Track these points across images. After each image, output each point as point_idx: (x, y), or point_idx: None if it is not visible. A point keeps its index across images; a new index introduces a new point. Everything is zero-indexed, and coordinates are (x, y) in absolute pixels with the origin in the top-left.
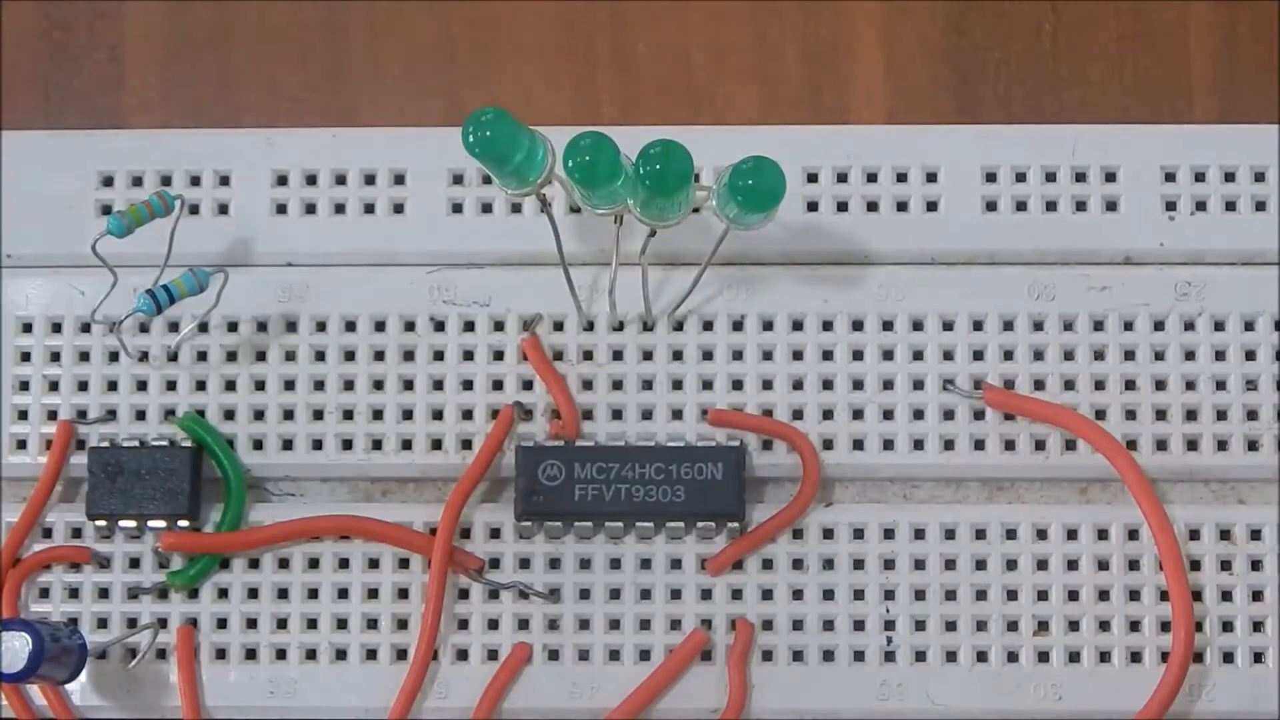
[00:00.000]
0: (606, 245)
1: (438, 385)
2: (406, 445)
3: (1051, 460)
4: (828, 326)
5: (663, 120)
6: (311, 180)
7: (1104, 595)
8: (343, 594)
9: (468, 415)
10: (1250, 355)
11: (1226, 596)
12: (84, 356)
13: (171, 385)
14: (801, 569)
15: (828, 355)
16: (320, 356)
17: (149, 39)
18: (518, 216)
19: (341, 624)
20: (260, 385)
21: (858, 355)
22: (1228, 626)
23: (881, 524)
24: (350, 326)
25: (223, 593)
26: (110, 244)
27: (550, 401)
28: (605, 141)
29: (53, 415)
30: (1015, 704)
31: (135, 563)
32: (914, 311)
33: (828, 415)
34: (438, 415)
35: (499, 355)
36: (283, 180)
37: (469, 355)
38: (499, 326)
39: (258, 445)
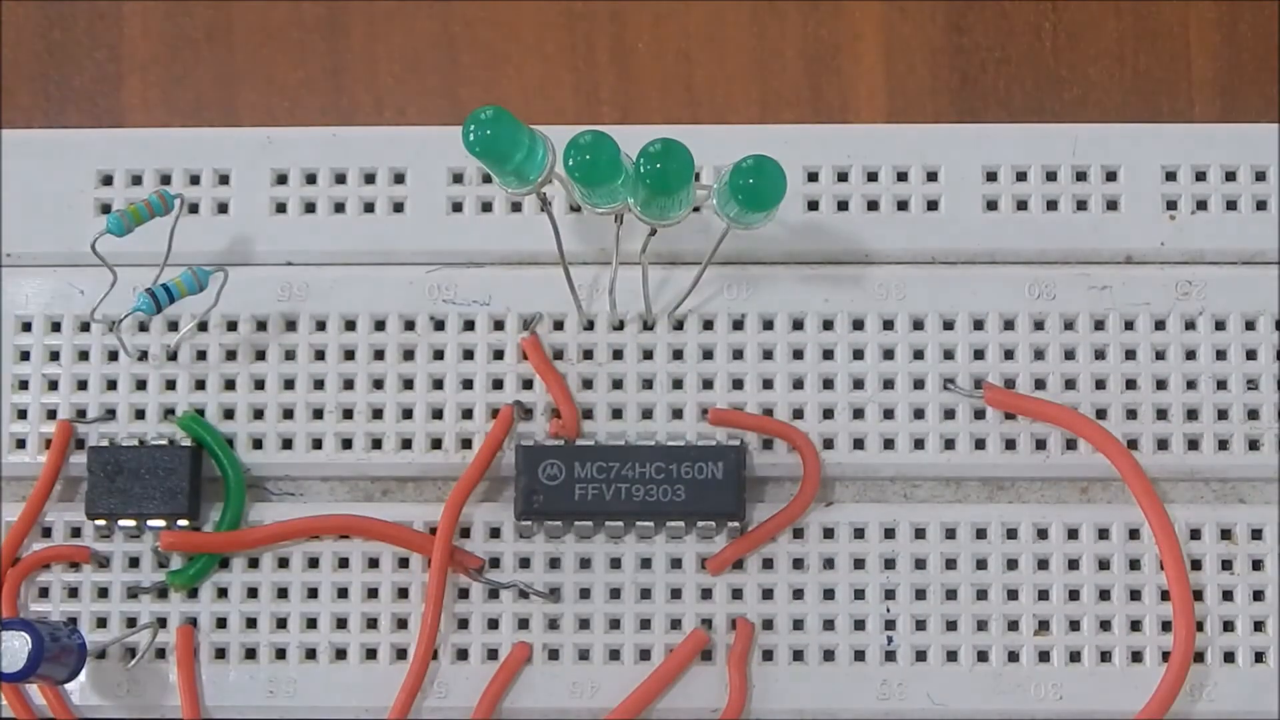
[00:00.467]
0: (607, 244)
1: (437, 384)
2: (406, 444)
3: (1052, 460)
4: (828, 326)
5: (663, 120)
6: (311, 179)
7: (1105, 595)
8: (342, 593)
9: (467, 414)
10: (1251, 354)
11: (1227, 596)
12: (83, 355)
13: (171, 384)
14: (802, 568)
15: (828, 354)
16: (320, 355)
17: (149, 39)
18: (518, 215)
19: (341, 623)
20: (260, 384)
21: (858, 354)
22: (1228, 626)
23: (882, 523)
24: (350, 325)
25: (222, 592)
26: (109, 243)
27: (550, 401)
28: (605, 140)
29: (52, 414)
30: (1016, 704)
31: (134, 562)
32: (914, 311)
33: (828, 414)
34: (437, 414)
35: (499, 354)
36: (282, 179)
37: (469, 354)
38: (499, 325)
39: (257, 444)
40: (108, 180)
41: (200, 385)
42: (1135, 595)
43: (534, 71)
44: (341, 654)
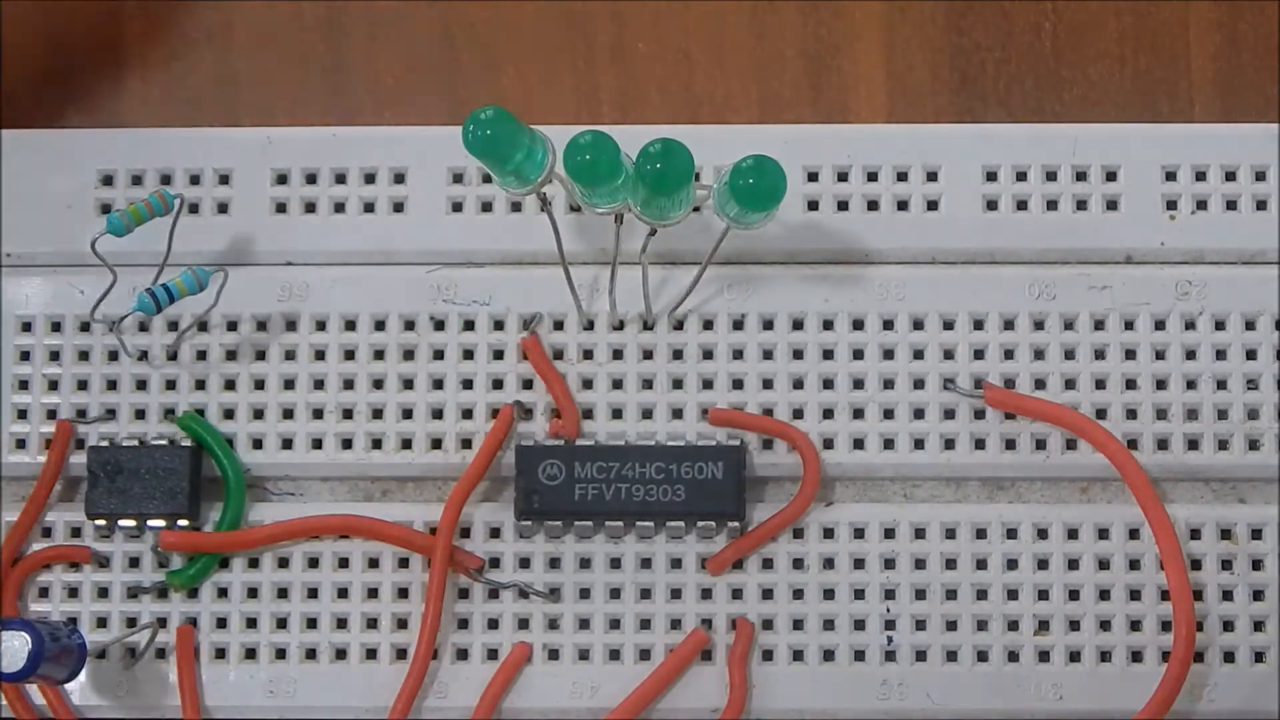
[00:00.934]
0: (606, 244)
1: (438, 384)
2: (406, 444)
3: (1052, 459)
4: (828, 326)
5: (663, 120)
6: (311, 179)
7: (1105, 594)
8: (342, 593)
9: (468, 414)
10: (1251, 354)
11: (1227, 596)
12: (83, 356)
13: (171, 384)
14: (802, 568)
15: (828, 354)
16: (320, 355)
17: (149, 39)
18: (518, 215)
19: (341, 623)
20: (260, 384)
21: (858, 354)
22: (1229, 626)
23: (882, 523)
24: (350, 325)
25: (222, 592)
26: (109, 243)
27: (550, 401)
28: (605, 140)
29: (52, 414)
30: (1016, 703)
31: (135, 562)
32: (914, 310)
33: (828, 414)
34: (438, 414)
35: (499, 354)
36: (282, 179)
37: (469, 354)
38: (499, 325)
39: (257, 444)
40: (108, 180)
41: (200, 385)
42: (1135, 595)
43: (534, 71)
44: (342, 654)
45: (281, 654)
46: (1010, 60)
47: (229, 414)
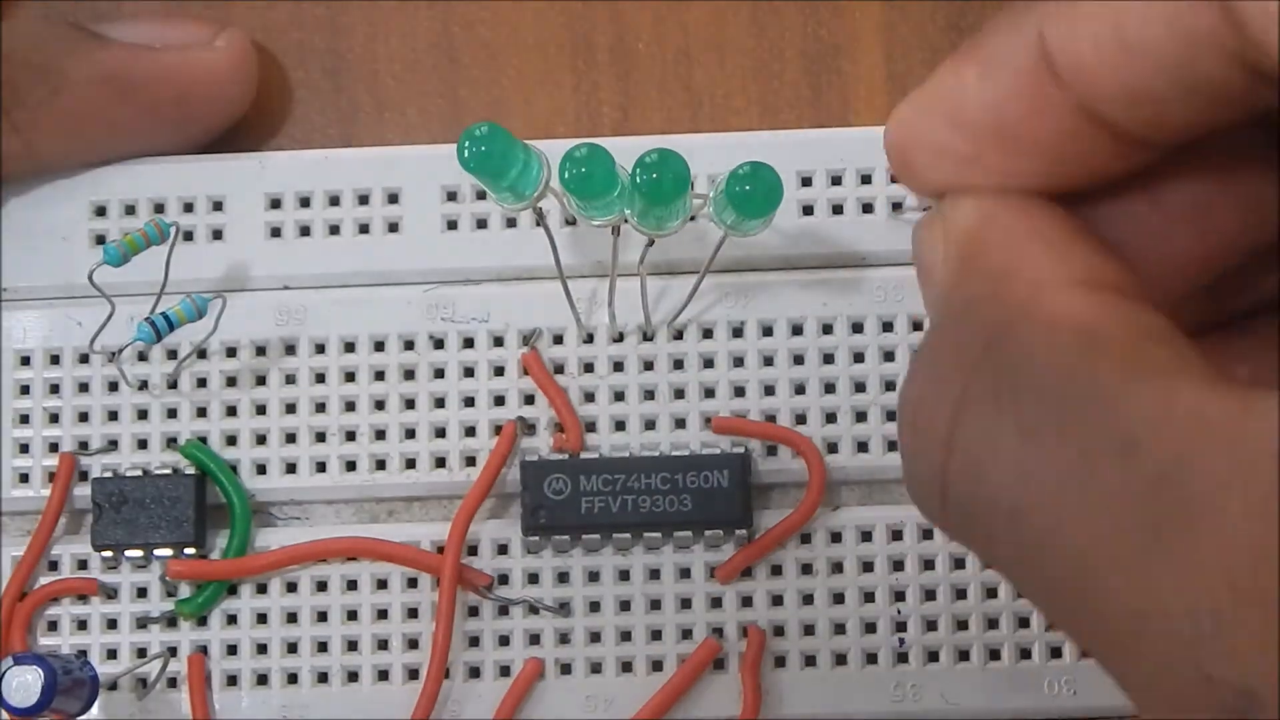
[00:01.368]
0: (604, 257)
1: (439, 403)
2: (410, 464)
3: None
4: (828, 330)
5: (663, 119)
6: (305, 202)
7: None
8: (352, 616)
9: (470, 432)
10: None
11: None
12: (84, 387)
13: (172, 413)
14: (810, 573)
15: (829, 359)
16: (320, 378)
17: None
18: (513, 231)
19: (352, 646)
20: (261, 409)
21: (858, 358)
22: None
23: (889, 525)
24: (349, 347)
25: (231, 619)
26: (105, 273)
27: (553, 415)
28: (600, 153)
29: (54, 447)
30: (1030, 701)
31: (143, 592)
32: (913, 312)
33: (831, 419)
34: (440, 433)
35: (499, 371)
36: (276, 203)
37: (469, 372)
38: (499, 342)
39: (261, 470)
40: (101, 211)
41: (202, 413)
42: None
43: (534, 71)
44: (354, 676)
45: (293, 678)
46: None
47: (231, 440)
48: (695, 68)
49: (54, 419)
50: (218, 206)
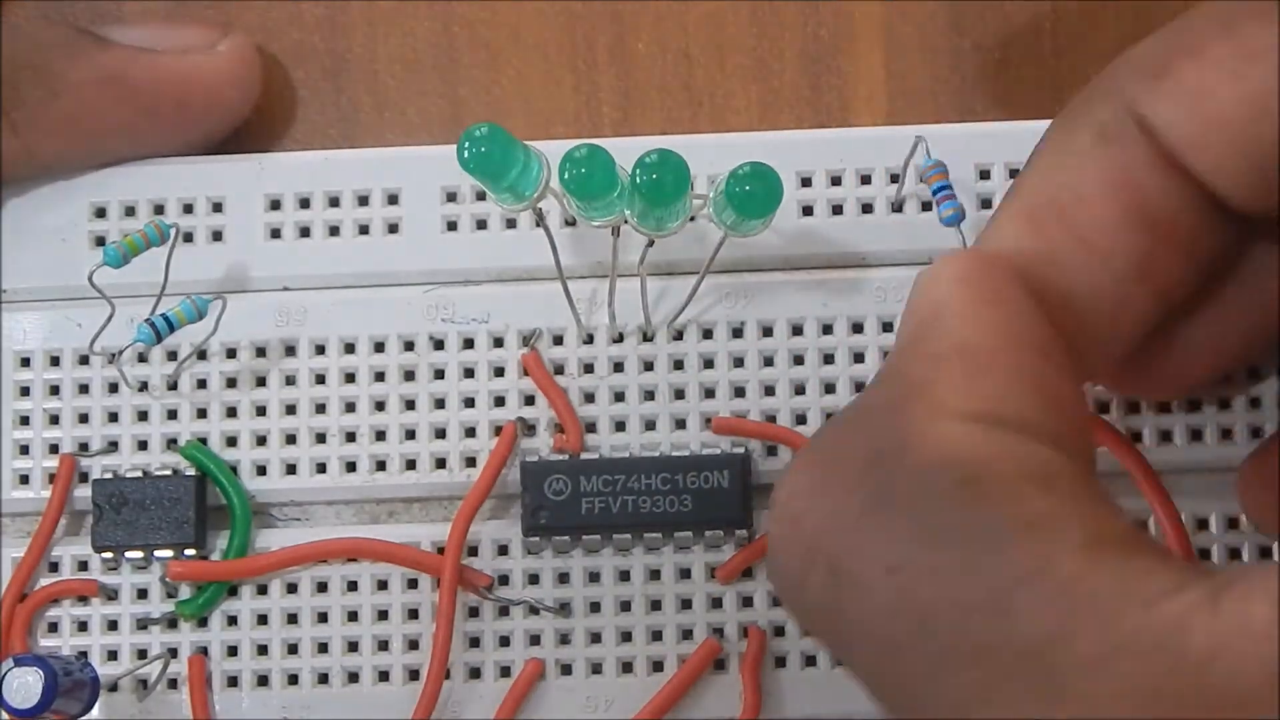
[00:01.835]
0: (604, 257)
1: (439, 404)
2: (410, 465)
3: None
4: (827, 330)
5: (663, 119)
6: (305, 203)
7: None
8: (352, 616)
9: (471, 433)
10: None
11: None
12: (84, 389)
13: (172, 414)
14: None
15: (828, 359)
16: (320, 379)
17: None
18: (513, 232)
19: (352, 646)
20: (261, 410)
21: (858, 358)
22: None
23: None
24: (349, 348)
25: (232, 620)
26: (105, 275)
27: (553, 416)
28: (600, 153)
29: (54, 449)
30: None
31: (143, 593)
32: None
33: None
34: (440, 434)
35: (500, 371)
36: (276, 205)
37: (469, 373)
38: (499, 343)
39: (261, 471)
40: (101, 213)
41: (202, 414)
42: None
43: (534, 71)
44: (354, 677)
45: (294, 679)
46: (1010, 60)
47: (231, 441)
48: (695, 68)
49: (54, 420)
50: (217, 208)
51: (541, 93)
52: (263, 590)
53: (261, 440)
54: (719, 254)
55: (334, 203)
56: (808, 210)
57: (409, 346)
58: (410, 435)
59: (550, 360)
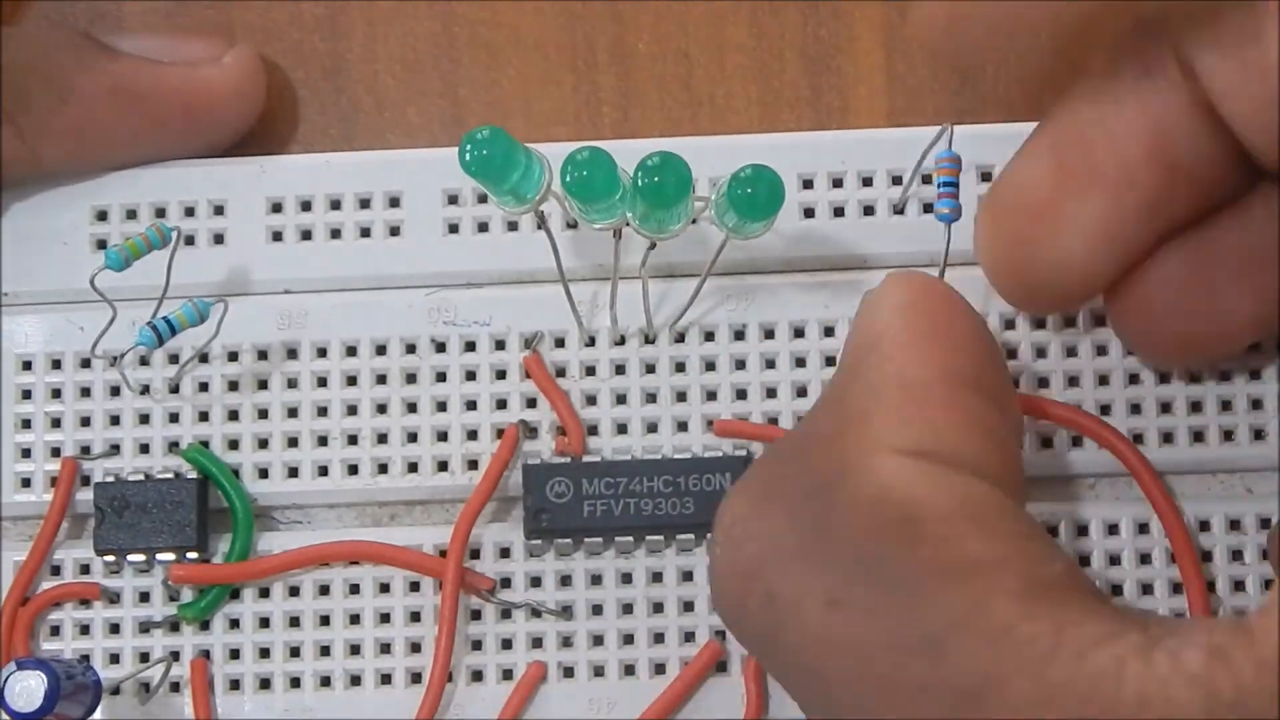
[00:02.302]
0: (605, 260)
1: (441, 407)
2: (412, 468)
3: (1058, 457)
4: (829, 332)
5: (663, 119)
6: (306, 206)
7: (1117, 590)
8: (354, 620)
9: (473, 435)
10: (1253, 345)
11: (1239, 586)
12: (85, 392)
13: (174, 417)
14: None
15: (831, 361)
16: (322, 382)
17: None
18: (514, 235)
19: (355, 649)
20: (263, 413)
21: None
22: (1241, 615)
23: None
24: (351, 351)
25: (234, 623)
26: (106, 278)
27: (555, 418)
28: (602, 156)
29: (56, 452)
30: None
31: (145, 596)
32: None
33: None
34: (442, 437)
35: (501, 374)
36: (277, 208)
37: (471, 375)
38: (500, 345)
39: (263, 474)
40: (102, 216)
41: (204, 417)
42: (1147, 589)
43: (534, 71)
44: (356, 680)
45: (296, 683)
46: (1010, 60)
47: (233, 444)
48: (695, 68)
49: (56, 424)
50: (219, 211)
51: (541, 93)
52: (265, 593)
53: (263, 443)
54: (721, 256)
55: (335, 205)
56: (809, 212)
57: (411, 349)
58: (412, 438)
59: (552, 363)
